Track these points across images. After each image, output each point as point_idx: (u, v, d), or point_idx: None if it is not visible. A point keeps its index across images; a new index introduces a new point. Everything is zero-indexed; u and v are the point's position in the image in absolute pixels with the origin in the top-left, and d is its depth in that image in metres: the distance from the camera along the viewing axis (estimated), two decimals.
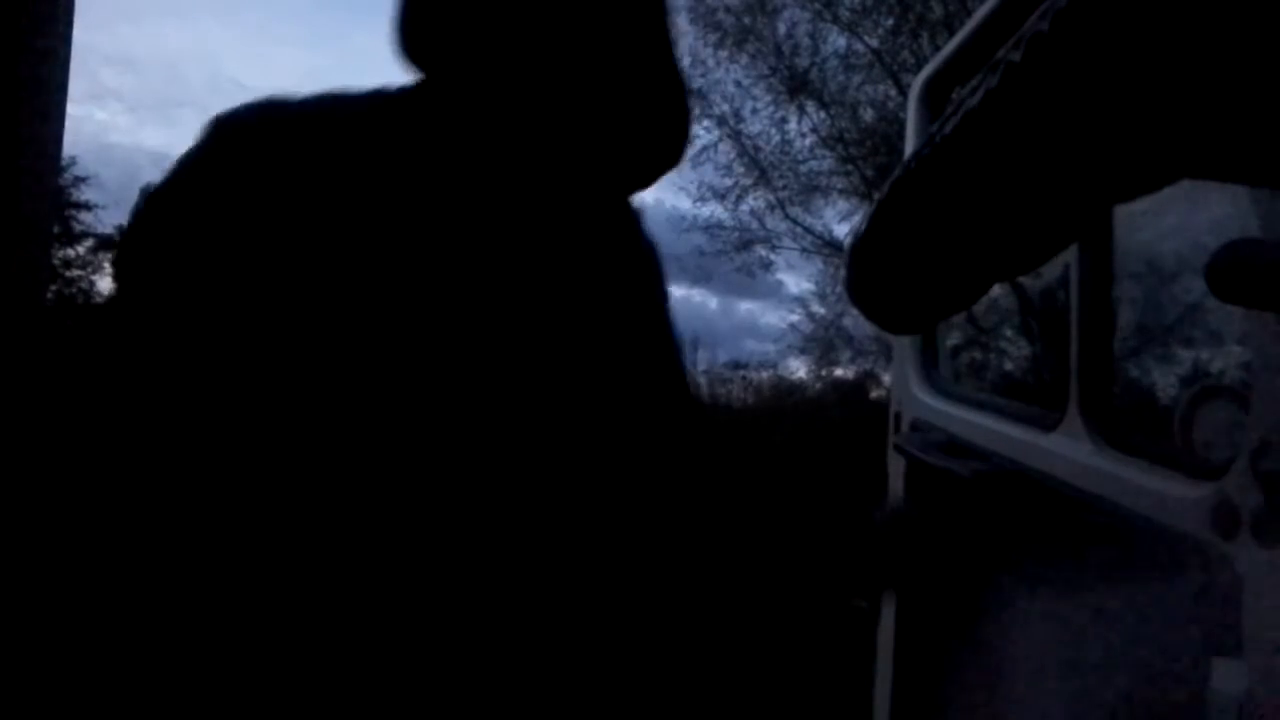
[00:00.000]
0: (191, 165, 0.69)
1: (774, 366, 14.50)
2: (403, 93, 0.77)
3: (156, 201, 0.68)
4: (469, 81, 0.75)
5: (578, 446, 0.73)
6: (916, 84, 2.13)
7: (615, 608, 0.74)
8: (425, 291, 0.68)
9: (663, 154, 0.86)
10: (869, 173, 11.70)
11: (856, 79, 12.08)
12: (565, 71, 0.76)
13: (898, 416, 2.07)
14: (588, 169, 0.81)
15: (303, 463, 0.65)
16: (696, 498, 0.84)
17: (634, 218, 0.87)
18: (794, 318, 13.63)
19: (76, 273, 22.62)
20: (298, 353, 0.65)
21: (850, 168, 12.30)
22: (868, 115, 12.16)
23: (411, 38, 0.77)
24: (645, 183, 0.87)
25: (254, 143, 0.68)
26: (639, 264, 0.84)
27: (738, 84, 12.52)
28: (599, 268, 0.78)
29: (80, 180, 20.88)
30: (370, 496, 0.66)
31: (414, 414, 0.67)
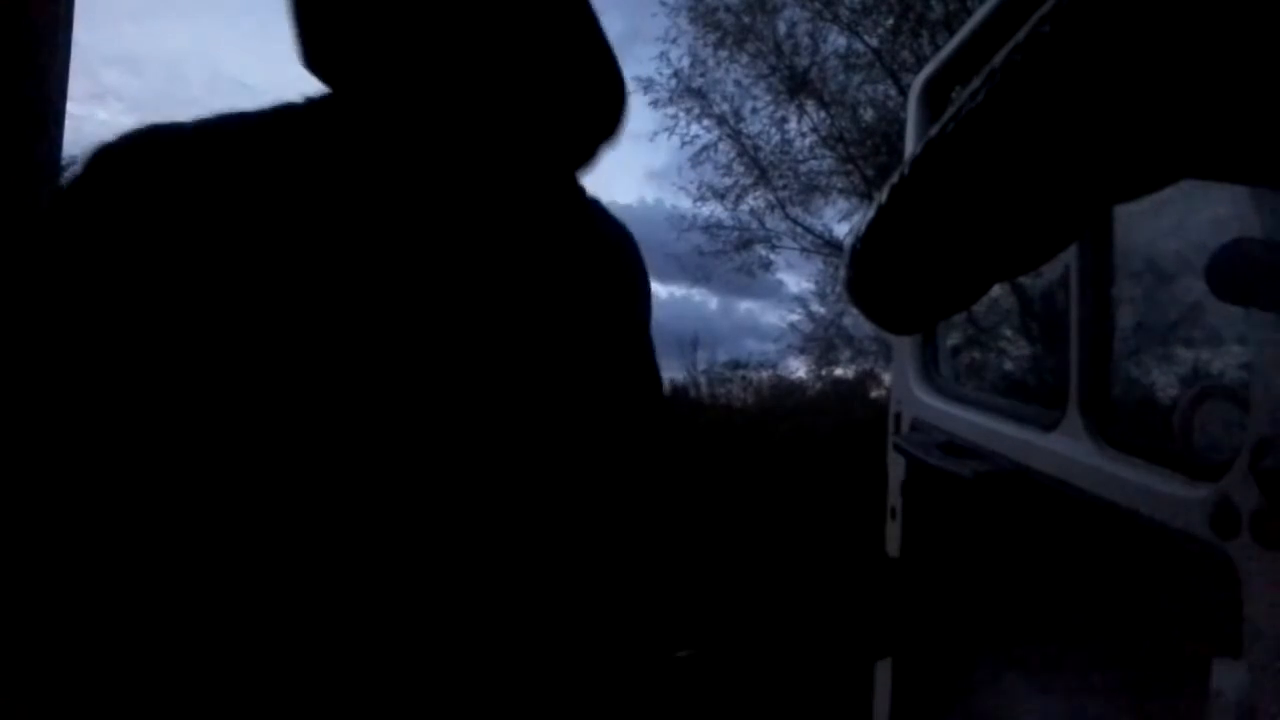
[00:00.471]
0: (70, 197, 0.66)
1: (774, 366, 14.49)
2: (310, 104, 0.74)
3: (38, 232, 0.67)
4: (376, 84, 0.72)
5: (532, 449, 0.71)
6: (916, 84, 2.13)
7: (584, 608, 0.73)
8: (350, 302, 0.66)
9: (595, 126, 0.82)
10: (869, 173, 11.70)
11: (856, 79, 12.07)
12: (477, 59, 0.73)
13: (898, 416, 2.07)
14: (518, 154, 0.78)
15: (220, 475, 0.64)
16: (657, 503, 0.83)
17: (588, 207, 0.83)
18: (794, 317, 13.60)
19: None
20: (220, 370, 0.64)
21: (850, 168, 12.29)
22: (868, 115, 12.15)
23: (312, 47, 0.74)
24: (583, 159, 0.83)
25: (135, 170, 0.65)
26: (595, 257, 0.81)
27: (738, 84, 12.50)
28: (541, 262, 0.75)
29: None
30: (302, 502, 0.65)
31: (349, 423, 0.66)
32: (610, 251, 0.84)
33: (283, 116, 0.72)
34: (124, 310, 0.63)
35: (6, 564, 0.62)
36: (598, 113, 0.82)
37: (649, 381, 0.86)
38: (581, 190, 0.84)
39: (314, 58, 0.74)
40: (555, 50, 0.77)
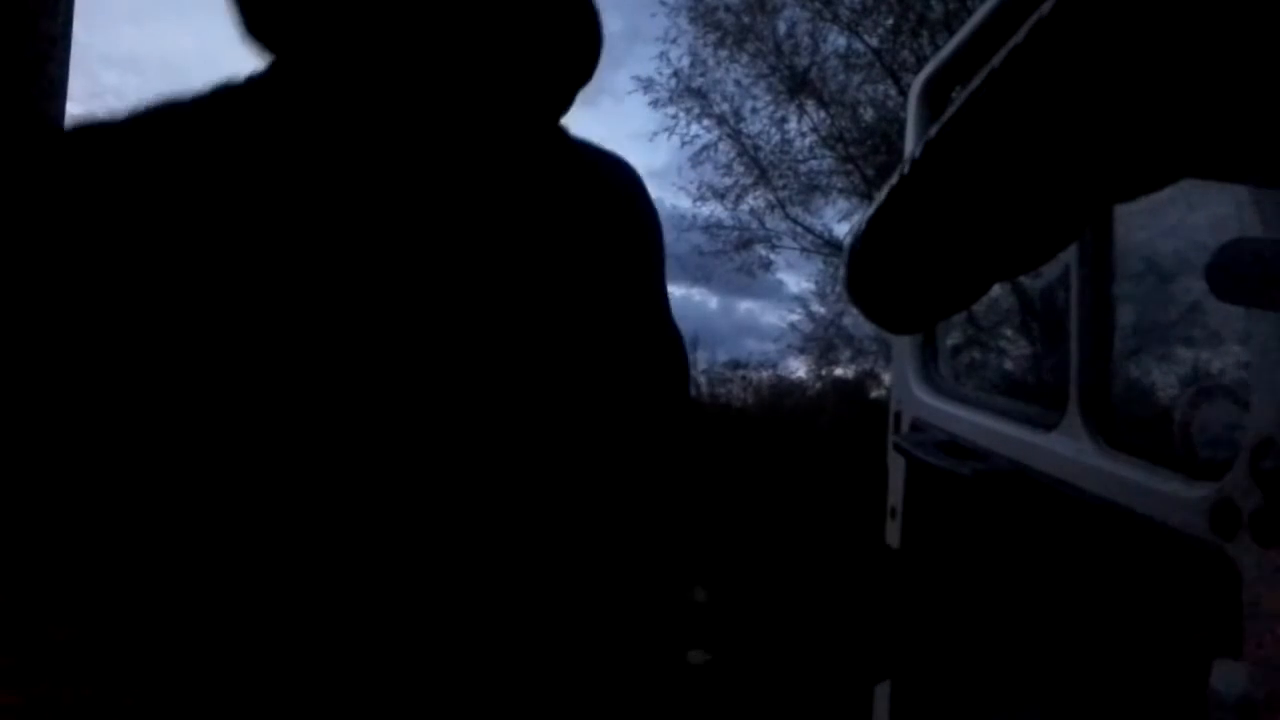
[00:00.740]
0: (11, 203, 0.63)
1: (774, 366, 14.48)
2: (253, 79, 0.68)
3: None
4: (324, 46, 0.67)
5: (535, 431, 0.68)
6: (916, 84, 2.13)
7: (596, 606, 0.72)
8: (325, 286, 0.62)
9: (569, 70, 0.75)
10: (869, 172, 11.69)
11: (856, 79, 12.07)
12: (435, 9, 0.67)
13: (898, 416, 2.07)
14: (488, 108, 0.71)
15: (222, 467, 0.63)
16: (678, 497, 0.79)
17: (578, 153, 0.77)
18: (794, 317, 13.59)
19: None
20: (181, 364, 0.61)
21: (850, 167, 12.29)
22: (868, 115, 12.15)
23: (251, 16, 0.68)
24: (560, 106, 0.76)
25: (67, 172, 0.62)
26: (591, 209, 0.74)
27: (738, 84, 12.50)
28: (530, 224, 0.70)
29: None
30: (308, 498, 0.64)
31: (317, 418, 0.63)
32: (611, 196, 0.77)
33: (223, 96, 0.66)
34: (83, 315, 0.61)
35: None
36: (572, 55, 0.75)
37: (665, 344, 0.80)
38: (566, 137, 0.77)
39: (253, 24, 0.67)
40: None
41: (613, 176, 0.78)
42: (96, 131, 0.63)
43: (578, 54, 0.75)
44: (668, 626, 0.77)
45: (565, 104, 0.76)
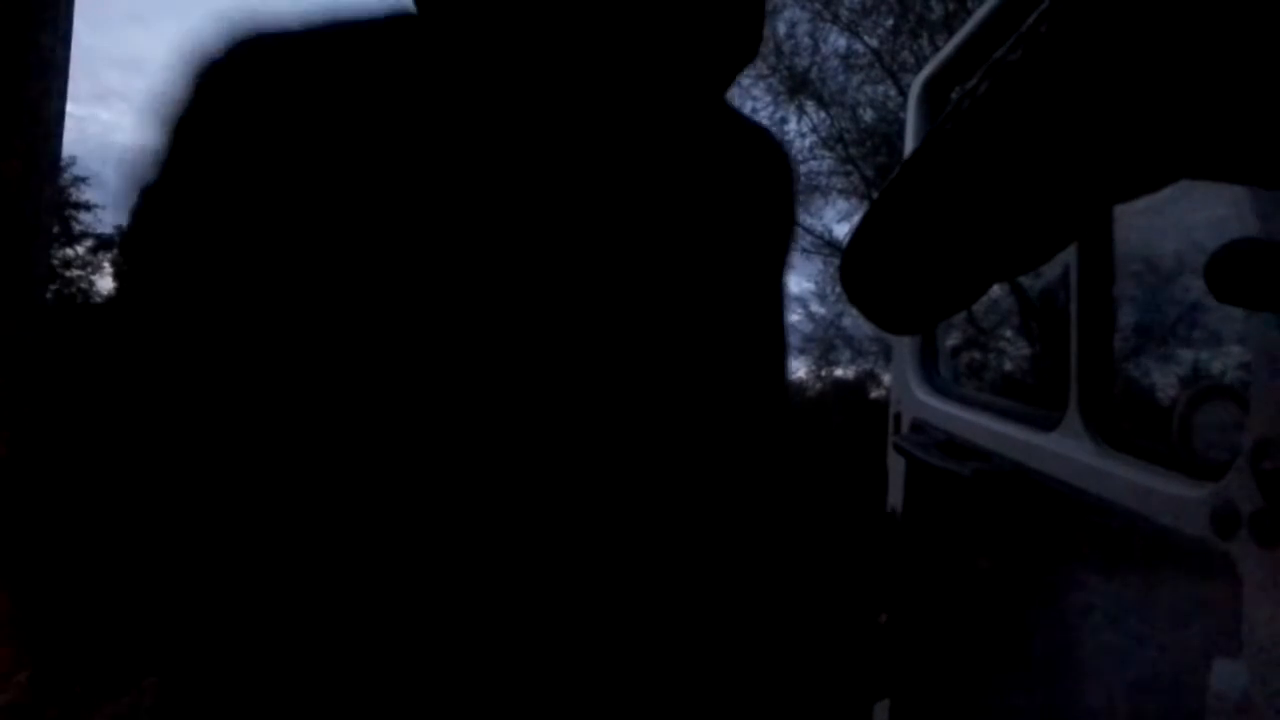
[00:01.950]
0: (181, 121, 0.58)
1: None
2: (408, 19, 0.64)
3: (155, 169, 0.59)
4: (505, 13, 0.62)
5: (666, 439, 0.66)
6: (916, 84, 2.13)
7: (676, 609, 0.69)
8: (474, 235, 0.59)
9: (736, 45, 0.72)
10: (869, 173, 11.70)
11: (856, 79, 12.08)
12: None
13: (898, 416, 2.07)
14: (651, 77, 0.67)
15: (326, 450, 0.60)
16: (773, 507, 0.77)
17: (740, 127, 0.75)
18: (794, 318, 13.58)
19: (76, 273, 22.66)
20: (321, 327, 0.58)
21: (850, 168, 12.30)
22: (868, 115, 12.16)
23: None
24: (723, 80, 0.74)
25: (241, 85, 0.57)
26: (742, 185, 0.72)
27: (737, 84, 12.50)
28: (682, 197, 0.67)
29: (80, 180, 20.92)
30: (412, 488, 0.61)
31: (458, 383, 0.59)
32: (767, 166, 0.76)
33: (398, 24, 0.62)
34: (235, 247, 0.57)
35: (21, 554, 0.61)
36: (739, 31, 0.72)
37: (775, 340, 0.80)
38: (729, 112, 0.76)
39: None
40: None
41: (768, 148, 0.78)
42: (272, 40, 0.59)
43: (745, 30, 0.72)
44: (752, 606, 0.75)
45: (729, 78, 0.75)
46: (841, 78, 12.14)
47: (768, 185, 0.77)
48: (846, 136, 12.29)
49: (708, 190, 0.70)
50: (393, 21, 0.62)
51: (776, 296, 0.80)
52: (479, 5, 0.61)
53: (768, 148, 0.79)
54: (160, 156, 0.58)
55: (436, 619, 0.62)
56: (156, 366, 0.59)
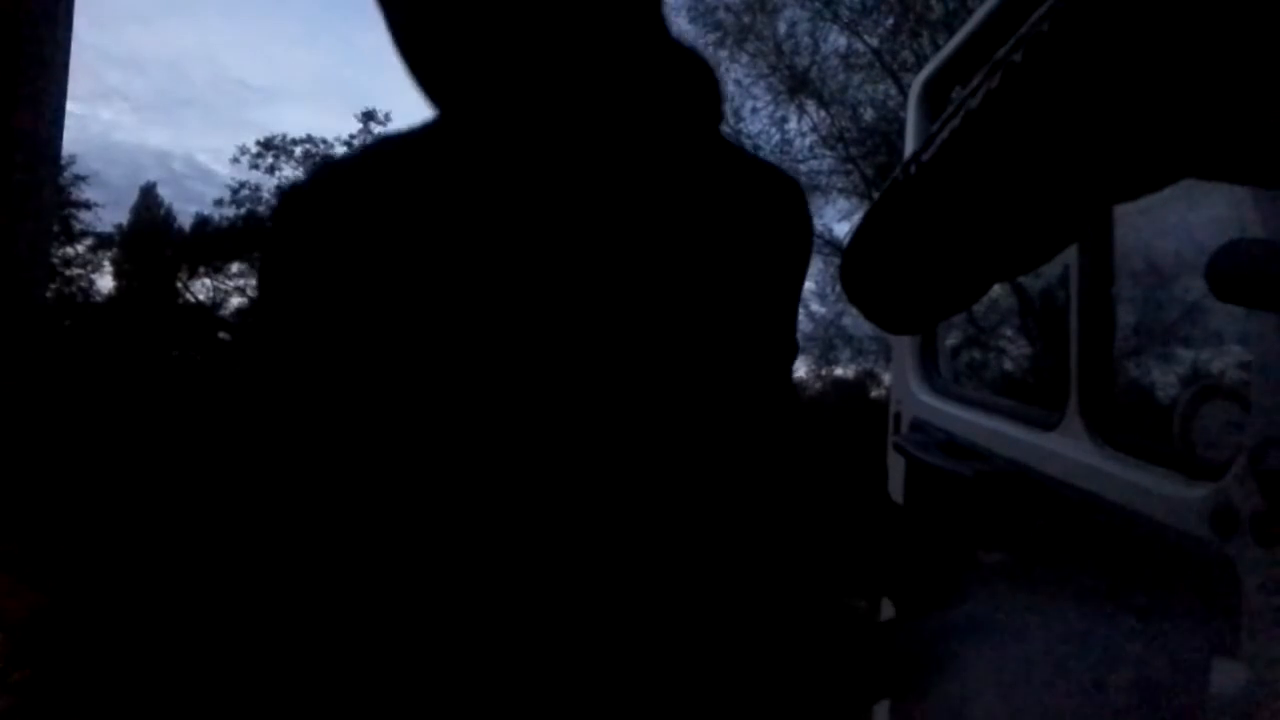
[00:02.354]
0: (279, 236, 0.75)
1: None
2: (435, 123, 0.78)
3: (264, 268, 0.77)
4: (484, 101, 0.75)
5: (681, 441, 0.73)
6: (916, 84, 2.13)
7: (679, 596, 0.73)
8: (520, 293, 0.70)
9: (700, 98, 0.83)
10: (869, 172, 11.70)
11: (856, 78, 12.08)
12: (573, 59, 0.74)
13: (898, 416, 2.07)
14: (646, 130, 0.78)
15: (433, 461, 0.68)
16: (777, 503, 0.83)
17: (742, 164, 0.83)
18: None
19: (76, 271, 22.67)
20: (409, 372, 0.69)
21: (850, 167, 12.30)
22: (868, 115, 12.16)
23: (418, 73, 0.77)
24: (713, 118, 0.84)
25: (319, 205, 0.73)
26: (743, 217, 0.80)
27: (738, 83, 12.51)
28: (697, 237, 0.76)
29: (80, 179, 20.93)
30: (495, 496, 0.68)
31: (522, 416, 0.69)
32: (765, 206, 0.82)
33: (432, 134, 0.77)
34: (326, 327, 0.71)
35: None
36: (700, 89, 0.83)
37: (789, 346, 0.88)
38: (728, 149, 0.84)
39: (426, 88, 0.78)
40: (635, 38, 0.78)
41: (777, 190, 0.84)
42: (335, 169, 0.77)
43: (705, 90, 0.83)
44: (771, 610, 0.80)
45: (718, 116, 0.84)
46: (842, 77, 12.14)
47: (777, 215, 0.82)
48: (847, 136, 12.29)
49: (712, 222, 0.77)
50: (426, 128, 0.78)
51: (788, 314, 0.87)
52: (484, 94, 0.75)
53: (779, 182, 0.85)
54: (276, 258, 0.75)
55: (441, 615, 0.66)
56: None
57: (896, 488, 1.99)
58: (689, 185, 0.78)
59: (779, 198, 0.83)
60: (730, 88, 12.51)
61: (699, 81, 0.82)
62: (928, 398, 1.96)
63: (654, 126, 0.78)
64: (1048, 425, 1.47)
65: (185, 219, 24.94)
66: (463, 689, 0.65)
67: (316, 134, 27.51)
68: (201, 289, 23.49)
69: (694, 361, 0.73)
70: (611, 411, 0.70)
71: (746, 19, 12.12)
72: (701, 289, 0.75)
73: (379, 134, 0.80)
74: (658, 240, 0.74)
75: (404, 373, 0.69)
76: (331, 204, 0.72)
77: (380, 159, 0.76)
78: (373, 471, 0.68)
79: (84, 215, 21.88)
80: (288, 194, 0.76)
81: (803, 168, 12.62)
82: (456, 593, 0.66)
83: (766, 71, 12.27)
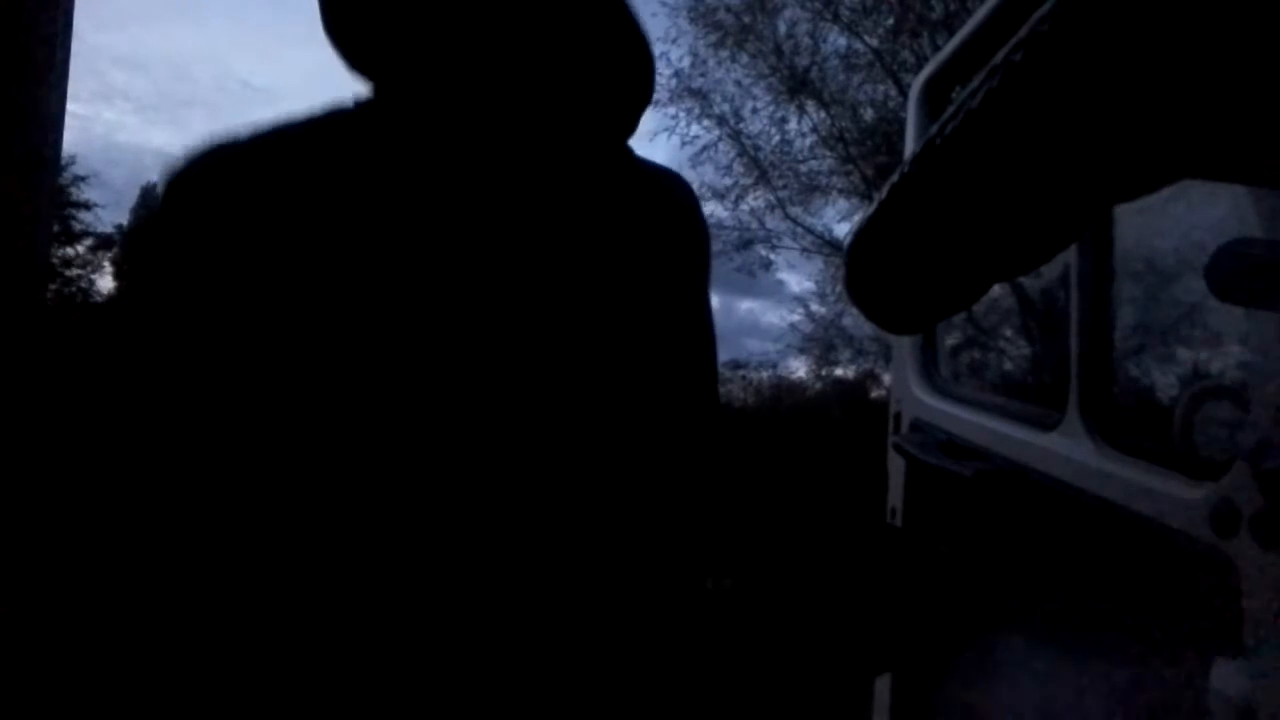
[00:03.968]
0: (153, 223, 0.71)
1: (774, 366, 14.48)
2: (359, 105, 0.77)
3: (134, 255, 0.74)
4: (415, 77, 0.74)
5: (586, 442, 0.72)
6: (916, 84, 2.13)
7: (613, 607, 0.74)
8: (413, 291, 0.68)
9: (633, 93, 0.83)
10: (869, 173, 11.70)
11: (856, 79, 12.07)
12: (508, 43, 0.74)
13: (898, 416, 2.07)
14: (558, 130, 0.79)
15: (299, 463, 0.66)
16: (701, 500, 0.82)
17: (641, 173, 0.83)
18: (794, 317, 13.63)
19: (76, 271, 22.68)
20: (287, 361, 0.67)
21: (850, 167, 12.29)
22: (868, 115, 12.16)
23: (345, 47, 0.77)
24: (624, 128, 0.84)
25: (207, 186, 0.70)
26: (652, 224, 0.81)
27: (738, 84, 12.50)
28: (600, 243, 0.77)
29: (80, 179, 20.96)
30: (370, 496, 0.66)
31: (409, 413, 0.67)
32: (668, 210, 0.84)
33: (333, 119, 0.75)
34: (204, 320, 0.68)
35: (14, 560, 0.63)
36: (633, 80, 0.82)
37: (702, 348, 0.86)
38: (632, 157, 0.84)
39: (352, 57, 0.77)
40: (585, 24, 0.77)
41: (671, 192, 0.85)
42: (222, 151, 0.71)
43: (637, 82, 0.82)
44: (686, 611, 0.79)
45: (630, 127, 0.84)
46: (842, 77, 12.13)
47: (671, 218, 0.84)
48: (847, 136, 12.28)
49: (611, 224, 0.78)
50: (329, 115, 0.75)
51: (697, 314, 0.86)
52: (415, 85, 0.74)
53: (671, 186, 0.86)
54: (150, 243, 0.72)
55: (279, 614, 0.65)
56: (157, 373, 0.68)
57: (897, 488, 1.99)
58: (587, 188, 0.78)
59: (667, 197, 0.84)
60: (730, 88, 12.51)
61: (629, 73, 0.82)
62: (928, 398, 1.96)
63: (564, 129, 0.79)
64: (1048, 425, 1.47)
65: None
66: (298, 689, 0.64)
67: None
68: None
69: (572, 361, 0.73)
70: (477, 410, 0.69)
71: (746, 19, 12.12)
72: (590, 291, 0.75)
73: (275, 118, 0.75)
74: (549, 240, 0.74)
75: (266, 374, 0.67)
76: (216, 192, 0.69)
77: (271, 147, 0.73)
78: (224, 473, 0.66)
79: (84, 216, 21.90)
80: (174, 178, 0.71)
81: (803, 168, 12.62)
82: (299, 593, 0.65)
83: (766, 72, 12.27)
